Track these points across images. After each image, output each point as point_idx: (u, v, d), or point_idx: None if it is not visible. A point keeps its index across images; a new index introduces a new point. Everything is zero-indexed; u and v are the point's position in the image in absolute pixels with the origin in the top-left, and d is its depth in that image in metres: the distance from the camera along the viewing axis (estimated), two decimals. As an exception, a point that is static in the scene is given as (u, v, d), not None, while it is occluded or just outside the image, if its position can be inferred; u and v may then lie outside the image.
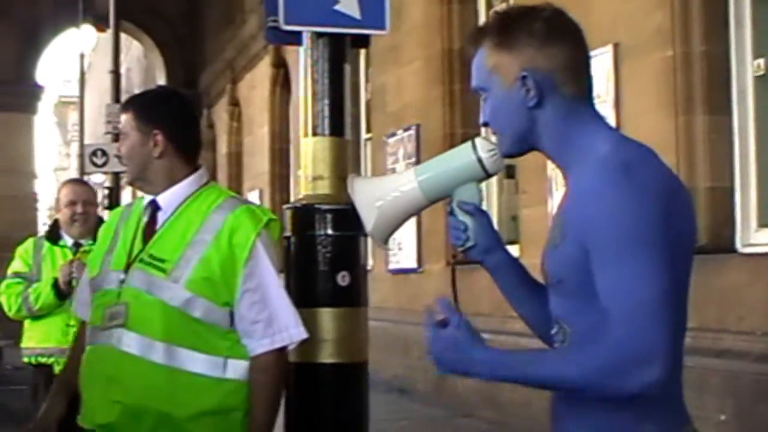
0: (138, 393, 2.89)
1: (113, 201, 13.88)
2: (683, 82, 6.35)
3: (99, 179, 47.92)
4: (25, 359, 5.46)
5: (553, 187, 7.47)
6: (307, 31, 4.06)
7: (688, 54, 6.35)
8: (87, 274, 3.23)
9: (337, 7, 4.05)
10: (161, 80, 23.66)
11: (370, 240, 2.32)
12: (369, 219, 2.19)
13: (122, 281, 2.97)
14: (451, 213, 2.20)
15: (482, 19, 9.63)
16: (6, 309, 5.35)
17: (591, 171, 1.91)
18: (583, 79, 2.03)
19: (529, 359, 1.91)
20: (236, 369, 2.95)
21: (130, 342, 2.90)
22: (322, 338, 3.80)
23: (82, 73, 22.82)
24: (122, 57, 41.39)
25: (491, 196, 9.44)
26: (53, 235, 5.37)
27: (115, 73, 14.42)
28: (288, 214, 4.00)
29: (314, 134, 4.03)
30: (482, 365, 1.91)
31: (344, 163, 3.99)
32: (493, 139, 2.12)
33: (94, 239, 5.21)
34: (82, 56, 21.97)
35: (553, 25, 2.01)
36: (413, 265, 10.83)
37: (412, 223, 10.26)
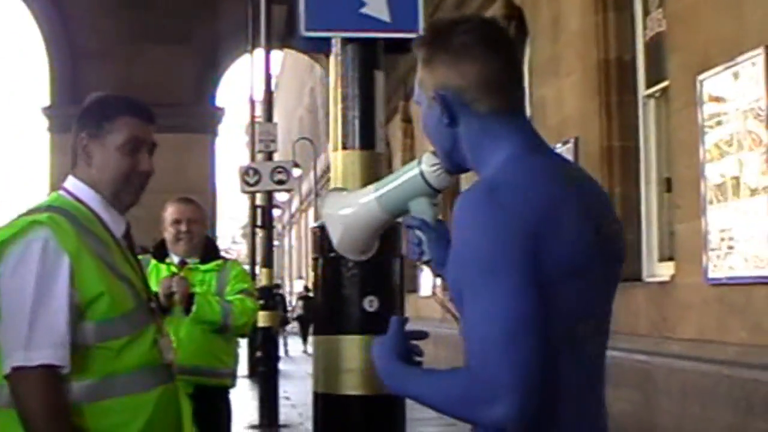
0: None
1: (266, 221, 13.68)
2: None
3: (284, 198, 49.33)
4: None
5: (707, 200, 7.04)
6: (330, 36, 3.81)
7: None
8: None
9: (363, 10, 3.72)
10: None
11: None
12: (335, 233, 2.16)
13: None
14: (408, 227, 2.15)
15: (639, 26, 9.23)
16: None
17: (462, 195, 1.83)
18: (505, 93, 1.94)
19: (412, 377, 1.91)
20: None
21: None
22: (347, 368, 3.59)
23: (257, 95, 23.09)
24: (307, 76, 42.60)
25: (651, 211, 9.02)
26: (160, 253, 5.28)
27: (267, 92, 14.47)
28: (312, 234, 3.76)
29: (344, 148, 3.77)
30: (390, 378, 1.93)
31: (376, 178, 3.77)
32: None
33: (200, 257, 5.06)
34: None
35: (471, 40, 1.92)
36: None
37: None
